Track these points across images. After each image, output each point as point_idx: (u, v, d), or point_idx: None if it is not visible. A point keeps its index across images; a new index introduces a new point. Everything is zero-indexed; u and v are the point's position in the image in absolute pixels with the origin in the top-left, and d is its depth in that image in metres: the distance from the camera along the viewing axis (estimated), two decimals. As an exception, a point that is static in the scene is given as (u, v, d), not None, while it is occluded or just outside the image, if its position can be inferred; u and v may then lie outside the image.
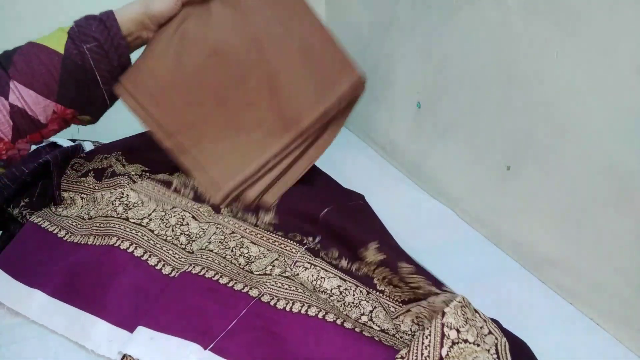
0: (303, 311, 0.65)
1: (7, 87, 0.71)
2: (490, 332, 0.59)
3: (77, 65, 0.74)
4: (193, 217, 0.83)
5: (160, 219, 0.81)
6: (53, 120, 0.76)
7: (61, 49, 0.74)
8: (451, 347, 0.56)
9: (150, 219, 0.81)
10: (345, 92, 0.79)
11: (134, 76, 0.77)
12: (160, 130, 0.78)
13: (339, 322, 0.63)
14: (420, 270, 0.71)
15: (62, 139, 1.01)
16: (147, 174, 0.91)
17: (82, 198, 0.87)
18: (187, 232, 0.80)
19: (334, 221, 0.81)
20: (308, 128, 0.80)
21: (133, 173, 0.91)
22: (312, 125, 0.80)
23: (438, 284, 0.69)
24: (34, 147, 0.94)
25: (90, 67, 0.75)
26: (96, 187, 0.88)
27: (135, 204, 0.83)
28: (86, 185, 0.89)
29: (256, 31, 0.78)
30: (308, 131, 0.80)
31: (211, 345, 0.62)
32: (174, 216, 0.82)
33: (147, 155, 0.93)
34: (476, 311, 0.60)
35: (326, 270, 0.73)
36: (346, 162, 1.19)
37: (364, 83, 0.81)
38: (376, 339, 0.62)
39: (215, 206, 0.84)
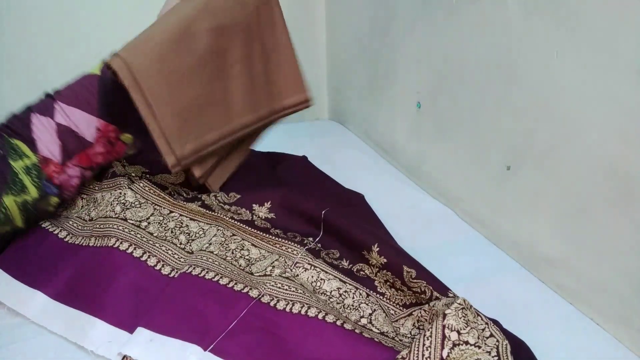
0: (303, 312, 0.65)
1: (53, 109, 0.79)
2: (491, 335, 0.59)
3: (112, 82, 0.80)
4: (191, 218, 0.83)
5: (159, 223, 0.81)
6: (98, 140, 0.82)
7: (97, 72, 0.83)
8: (452, 348, 0.56)
9: (148, 222, 0.81)
10: (289, 105, 0.96)
11: (131, 47, 0.81)
12: (138, 91, 0.79)
13: (339, 323, 0.63)
14: (423, 273, 0.71)
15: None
16: (147, 176, 0.91)
17: (82, 198, 0.87)
18: (186, 231, 0.80)
19: (335, 221, 0.81)
20: (255, 121, 0.92)
21: (133, 174, 0.91)
22: (253, 123, 0.92)
23: (443, 289, 0.69)
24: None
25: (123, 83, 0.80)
26: (96, 188, 0.88)
27: (133, 204, 0.83)
28: (86, 185, 0.89)
29: (238, 22, 0.89)
30: (248, 127, 0.92)
31: (211, 346, 0.62)
32: (172, 220, 0.82)
33: (148, 156, 0.93)
34: (478, 313, 0.60)
35: (326, 272, 0.73)
36: (346, 162, 1.19)
37: (308, 105, 0.98)
38: (376, 340, 0.62)
39: (208, 206, 0.85)
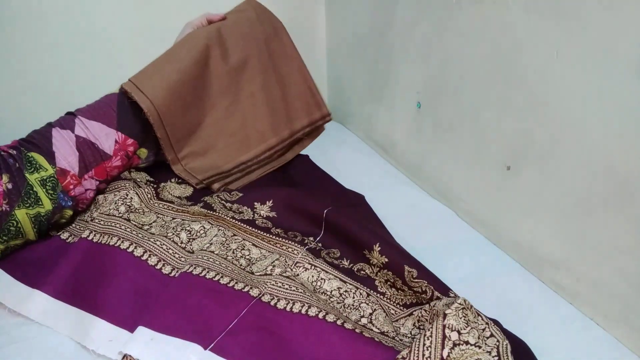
0: (303, 311, 0.65)
1: (73, 123, 0.81)
2: (492, 335, 0.59)
3: (131, 102, 0.85)
4: (193, 220, 0.83)
5: (161, 226, 0.81)
6: (116, 152, 0.84)
7: (116, 90, 0.88)
8: (452, 348, 0.56)
9: (151, 226, 0.81)
10: (309, 123, 1.04)
11: (145, 74, 0.89)
12: (160, 123, 0.88)
13: (339, 322, 0.63)
14: (424, 273, 0.71)
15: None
16: (153, 185, 0.91)
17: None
18: (188, 229, 0.80)
19: (337, 220, 0.81)
20: (275, 146, 1.00)
21: (139, 179, 0.91)
22: (279, 144, 1.00)
23: (444, 289, 0.69)
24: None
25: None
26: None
27: (138, 210, 0.83)
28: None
29: (250, 55, 0.97)
30: (275, 148, 1.00)
31: (211, 346, 0.62)
32: (174, 223, 0.82)
33: (153, 169, 0.96)
34: (478, 313, 0.60)
35: (326, 272, 0.73)
36: (346, 162, 1.19)
37: (329, 120, 1.07)
38: (376, 340, 0.62)
39: (210, 205, 0.85)
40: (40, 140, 0.78)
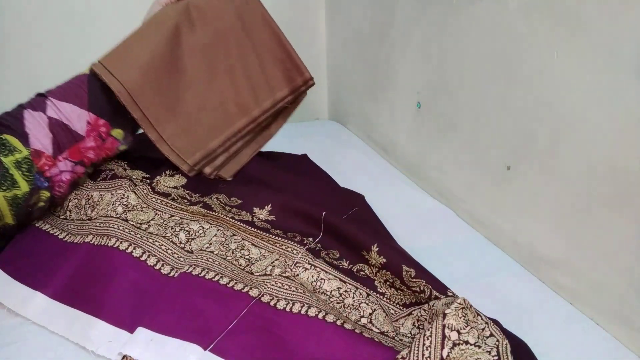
0: (303, 312, 0.65)
1: (44, 104, 0.80)
2: (491, 334, 0.59)
3: (102, 83, 0.84)
4: (192, 220, 0.83)
5: (160, 225, 0.81)
6: (89, 133, 0.84)
7: (87, 71, 0.86)
8: (452, 348, 0.56)
9: (149, 225, 0.81)
10: (292, 90, 1.00)
11: (115, 55, 0.87)
12: (133, 103, 0.87)
13: (339, 323, 0.63)
14: (422, 273, 0.71)
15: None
16: (148, 180, 0.91)
17: (77, 197, 0.87)
18: (186, 229, 0.80)
19: (335, 223, 0.81)
20: (258, 117, 0.97)
21: (135, 177, 0.91)
22: (262, 114, 0.98)
23: (442, 288, 0.69)
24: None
25: None
26: (89, 186, 0.87)
27: (135, 207, 0.83)
28: (80, 183, 0.88)
29: (222, 30, 0.95)
30: (258, 119, 0.98)
31: (211, 346, 0.62)
32: (173, 221, 0.82)
33: (148, 164, 0.96)
34: (477, 313, 0.60)
35: (326, 272, 0.73)
36: (346, 162, 1.19)
37: (312, 84, 1.02)
38: (376, 340, 0.62)
39: (210, 206, 0.85)
40: (12, 122, 0.77)
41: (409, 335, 0.67)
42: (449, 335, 0.57)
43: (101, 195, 0.85)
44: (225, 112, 0.96)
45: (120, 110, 0.87)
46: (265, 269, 0.74)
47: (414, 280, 0.70)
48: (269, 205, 0.86)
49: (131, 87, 0.85)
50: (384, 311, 0.70)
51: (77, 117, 0.82)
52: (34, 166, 0.76)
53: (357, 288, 0.72)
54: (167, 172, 0.94)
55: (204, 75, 0.94)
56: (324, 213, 0.82)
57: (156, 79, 0.89)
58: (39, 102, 0.81)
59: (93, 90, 0.84)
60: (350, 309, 0.70)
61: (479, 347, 0.57)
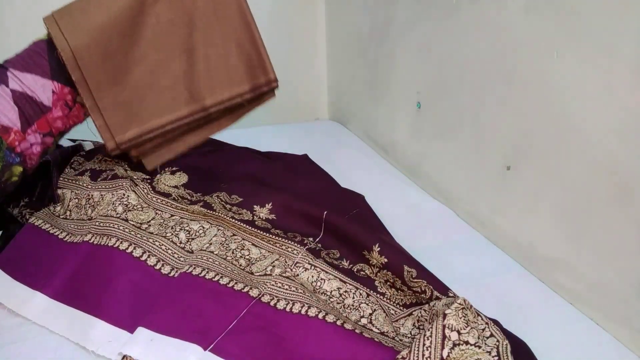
0: (303, 312, 0.65)
1: (5, 77, 0.76)
2: (492, 335, 0.59)
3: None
4: (192, 219, 0.83)
5: (160, 224, 0.81)
6: (55, 103, 0.80)
7: (44, 37, 0.81)
8: (452, 348, 0.56)
9: (149, 225, 0.81)
10: (253, 88, 0.91)
11: (68, 11, 0.82)
12: (74, 63, 0.81)
13: (339, 323, 0.63)
14: (423, 273, 0.71)
15: (64, 139, 1.01)
16: (149, 181, 0.91)
17: (72, 192, 0.87)
18: (187, 229, 0.80)
19: (336, 222, 0.81)
20: (209, 107, 0.90)
21: (135, 177, 0.91)
22: (214, 105, 0.90)
23: (443, 288, 0.69)
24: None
25: None
26: (89, 186, 0.87)
27: (135, 207, 0.83)
28: (80, 183, 0.88)
29: (191, 8, 0.88)
30: (208, 110, 0.90)
31: (211, 346, 0.62)
32: (173, 220, 0.82)
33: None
34: (478, 313, 0.60)
35: (326, 272, 0.73)
36: (346, 162, 1.19)
37: (275, 86, 0.93)
38: (376, 340, 0.62)
39: (210, 205, 0.85)
40: None
41: (409, 335, 0.67)
42: (449, 336, 0.57)
43: (102, 195, 0.85)
44: (174, 94, 0.89)
45: None
46: (266, 269, 0.74)
47: (415, 280, 0.70)
48: (270, 204, 0.86)
49: (76, 45, 0.80)
50: (384, 311, 0.70)
51: (42, 88, 0.79)
52: (3, 142, 0.74)
53: (357, 288, 0.72)
54: (168, 169, 0.94)
55: (160, 52, 0.88)
56: (325, 212, 0.82)
57: (106, 44, 0.83)
58: None
59: (53, 57, 0.81)
60: (351, 309, 0.70)
61: (479, 347, 0.57)
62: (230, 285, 0.70)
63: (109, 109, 0.85)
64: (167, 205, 0.85)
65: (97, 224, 0.79)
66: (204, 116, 0.91)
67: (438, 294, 0.68)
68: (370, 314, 0.69)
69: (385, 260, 0.74)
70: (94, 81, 0.83)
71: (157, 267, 0.74)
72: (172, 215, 0.83)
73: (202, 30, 0.89)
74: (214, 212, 0.83)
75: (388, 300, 0.73)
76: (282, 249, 0.78)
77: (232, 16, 0.90)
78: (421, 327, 0.67)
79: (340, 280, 0.73)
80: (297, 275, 0.73)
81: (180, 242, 0.78)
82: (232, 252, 0.77)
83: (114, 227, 0.78)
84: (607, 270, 0.69)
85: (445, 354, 0.56)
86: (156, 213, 0.83)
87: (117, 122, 0.85)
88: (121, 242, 0.75)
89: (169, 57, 0.88)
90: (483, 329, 0.59)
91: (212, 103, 0.90)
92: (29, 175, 0.85)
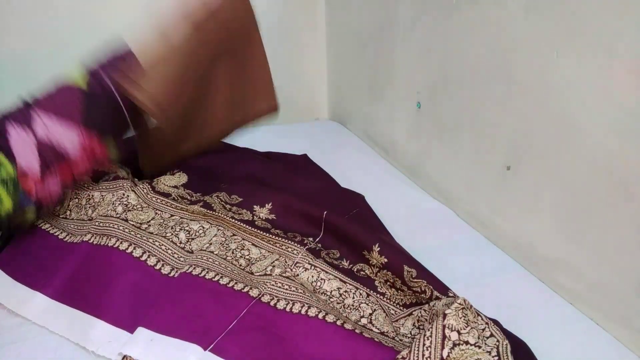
0: (303, 312, 0.65)
1: (31, 118, 0.75)
2: (492, 335, 0.59)
3: (107, 98, 0.79)
4: (192, 219, 0.83)
5: (160, 224, 0.81)
6: (82, 155, 0.79)
7: (82, 85, 0.79)
8: (452, 348, 0.56)
9: (149, 225, 0.81)
10: (260, 112, 0.99)
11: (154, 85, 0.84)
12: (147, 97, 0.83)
13: (339, 323, 0.63)
14: (423, 273, 0.71)
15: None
16: (148, 181, 0.91)
17: (72, 191, 0.87)
18: (187, 229, 0.80)
19: (336, 222, 0.81)
20: (224, 131, 1.00)
21: (136, 179, 0.91)
22: (229, 129, 1.00)
23: (443, 288, 0.69)
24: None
25: (110, 90, 0.80)
26: (89, 187, 0.87)
27: (135, 207, 0.83)
28: (80, 183, 0.88)
29: (227, 46, 0.92)
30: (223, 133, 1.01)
31: (211, 346, 0.62)
32: (173, 220, 0.82)
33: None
34: (478, 313, 0.60)
35: (326, 272, 0.73)
36: (346, 162, 1.19)
37: (276, 112, 1.00)
38: (376, 340, 0.62)
39: (210, 205, 0.85)
40: None
41: (409, 335, 0.67)
42: (449, 336, 0.57)
43: (102, 195, 0.85)
44: (206, 120, 0.95)
45: (114, 121, 0.83)
46: (266, 269, 0.74)
47: (415, 280, 0.70)
48: (270, 204, 0.86)
49: (161, 102, 0.83)
50: (384, 311, 0.70)
51: (69, 141, 0.77)
52: (19, 186, 0.73)
53: (357, 288, 0.72)
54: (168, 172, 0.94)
55: (204, 89, 0.92)
56: (325, 212, 0.82)
57: (177, 95, 0.87)
58: (24, 114, 0.75)
59: (91, 109, 0.79)
60: (350, 309, 0.70)
61: (479, 347, 0.57)
62: (230, 285, 0.70)
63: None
64: (167, 205, 0.85)
65: (97, 224, 0.79)
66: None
67: (438, 294, 0.68)
68: (370, 314, 0.69)
69: (385, 260, 0.74)
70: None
71: (157, 267, 0.74)
72: (172, 215, 0.84)
73: (232, 61, 0.93)
74: (213, 212, 0.83)
75: (388, 300, 0.73)
76: (282, 249, 0.78)
77: (253, 47, 0.95)
78: (421, 327, 0.67)
79: (340, 280, 0.73)
80: (297, 275, 0.73)
81: (180, 242, 0.78)
82: (232, 252, 0.77)
83: (113, 227, 0.78)
84: (607, 270, 0.69)
85: (445, 354, 0.56)
86: (156, 213, 0.83)
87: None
88: (121, 242, 0.75)
89: (210, 86, 0.93)
90: (483, 329, 0.59)
91: (241, 119, 0.98)
92: None
